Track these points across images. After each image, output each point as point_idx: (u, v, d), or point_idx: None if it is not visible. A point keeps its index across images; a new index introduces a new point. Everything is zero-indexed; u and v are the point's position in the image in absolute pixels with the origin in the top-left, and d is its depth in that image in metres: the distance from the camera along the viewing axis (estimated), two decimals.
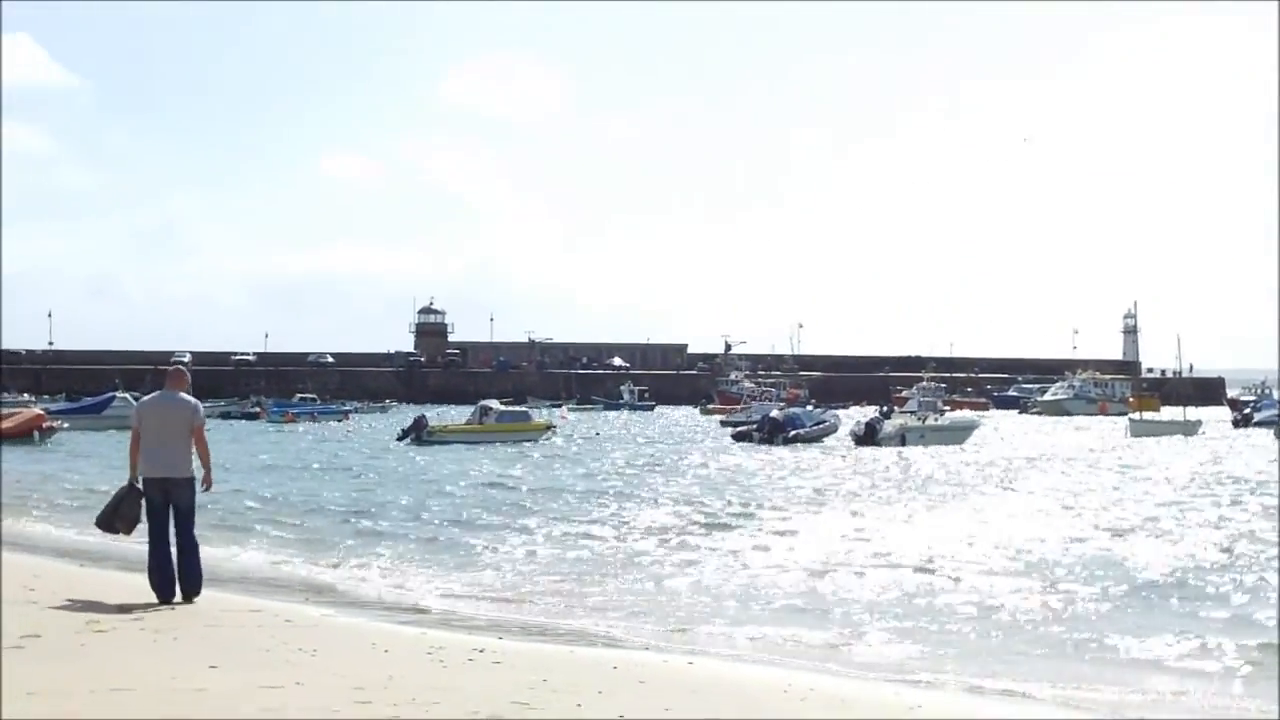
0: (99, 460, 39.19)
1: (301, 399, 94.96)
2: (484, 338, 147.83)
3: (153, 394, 12.85)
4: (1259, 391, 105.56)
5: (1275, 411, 76.41)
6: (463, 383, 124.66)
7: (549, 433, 60.26)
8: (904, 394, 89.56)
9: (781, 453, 50.96)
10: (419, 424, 56.78)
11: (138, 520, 12.34)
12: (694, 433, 72.57)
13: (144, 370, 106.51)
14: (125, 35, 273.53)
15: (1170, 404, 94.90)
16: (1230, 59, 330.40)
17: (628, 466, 42.36)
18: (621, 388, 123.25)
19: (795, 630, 13.32)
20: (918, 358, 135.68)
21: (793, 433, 59.12)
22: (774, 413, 65.86)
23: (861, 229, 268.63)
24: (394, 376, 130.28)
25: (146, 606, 11.95)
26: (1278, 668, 11.17)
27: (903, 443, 56.81)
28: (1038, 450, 54.75)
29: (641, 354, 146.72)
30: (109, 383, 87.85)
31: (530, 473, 38.60)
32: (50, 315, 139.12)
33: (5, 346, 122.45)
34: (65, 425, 54.34)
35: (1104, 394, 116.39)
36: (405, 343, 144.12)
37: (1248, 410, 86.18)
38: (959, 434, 61.13)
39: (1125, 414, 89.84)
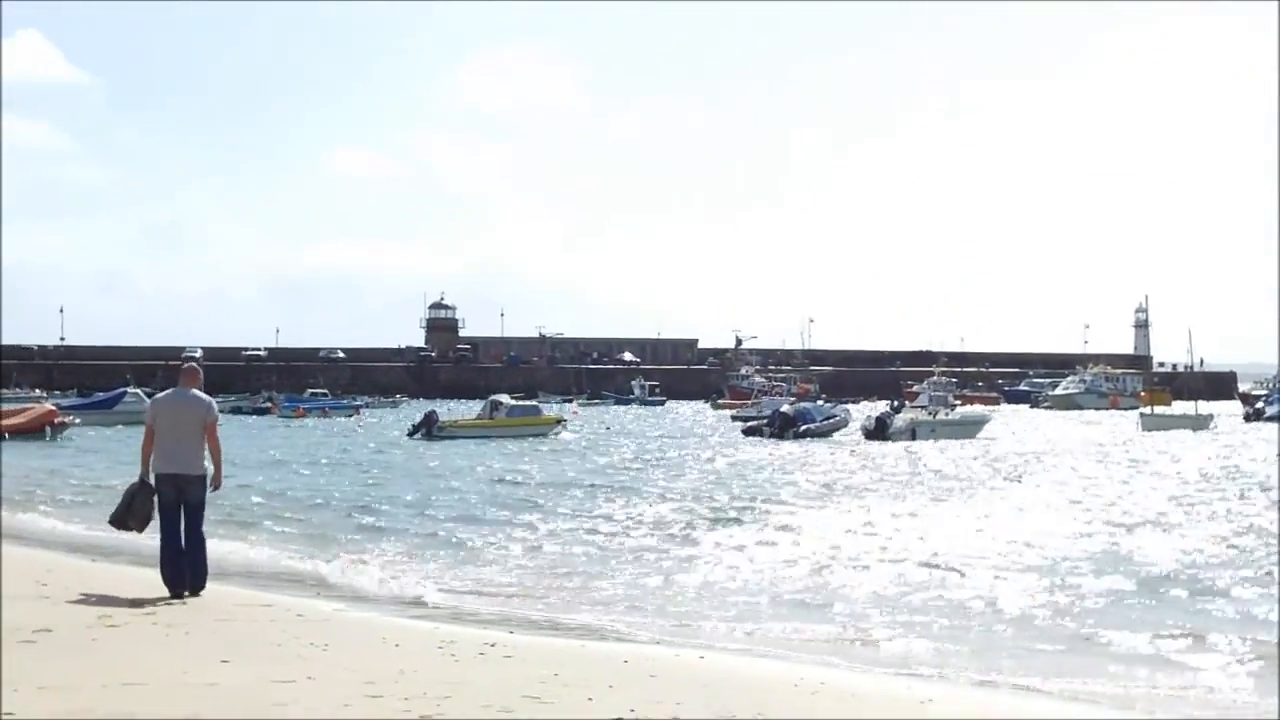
0: (108, 456, 39.32)
1: (313, 394, 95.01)
2: (495, 333, 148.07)
3: (167, 391, 12.90)
4: (1271, 386, 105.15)
5: None
6: (473, 378, 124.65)
7: (559, 427, 60.30)
8: (915, 389, 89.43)
9: (791, 447, 50.91)
10: (429, 419, 56.79)
11: (150, 518, 12.39)
12: (704, 428, 72.51)
13: (155, 366, 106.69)
14: (136, 32, 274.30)
15: (1181, 398, 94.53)
16: (1230, 59, 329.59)
17: (636, 461, 42.38)
18: (632, 383, 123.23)
19: (802, 625, 13.35)
20: (928, 352, 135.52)
21: (803, 428, 59.02)
22: (784, 408, 65.71)
23: (871, 224, 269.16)
24: (405, 372, 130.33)
25: (158, 601, 12.00)
26: (1278, 666, 11.13)
27: (913, 437, 56.72)
28: (1048, 445, 54.65)
29: (652, 349, 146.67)
30: (120, 378, 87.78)
31: (538, 468, 38.61)
32: (62, 311, 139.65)
33: (18, 342, 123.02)
34: (77, 421, 54.38)
35: (1115, 388, 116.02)
36: (416, 338, 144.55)
37: (1259, 404, 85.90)
38: (970, 428, 61.02)
39: (1136, 408, 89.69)
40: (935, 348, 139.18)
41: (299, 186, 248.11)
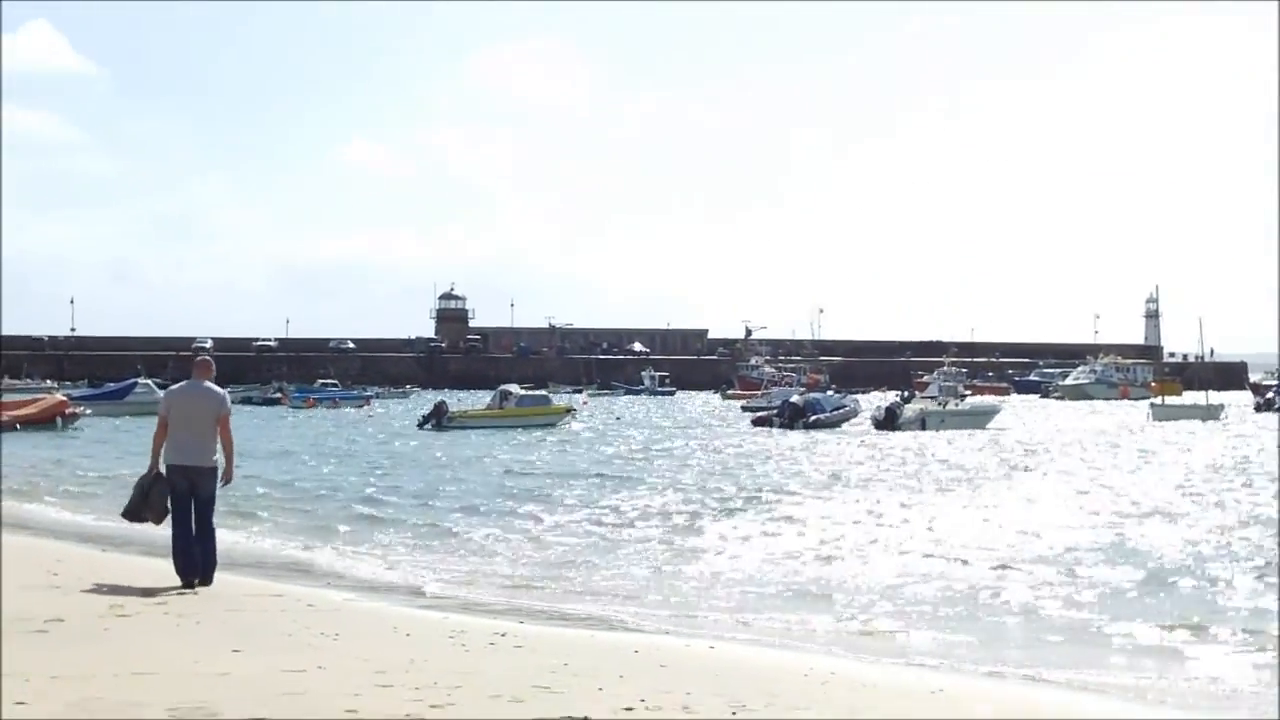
0: (116, 446, 39.39)
1: (323, 385, 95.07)
2: (505, 323, 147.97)
3: (181, 383, 12.92)
4: None
5: None
6: (484, 368, 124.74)
7: (569, 417, 60.31)
8: (925, 379, 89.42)
9: (801, 438, 50.89)
10: (439, 409, 56.85)
11: (167, 510, 12.40)
12: (714, 418, 72.52)
13: (166, 357, 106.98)
14: (144, 23, 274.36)
15: (1192, 388, 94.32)
16: (1230, 59, 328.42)
17: (645, 451, 42.39)
18: (642, 373, 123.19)
19: (809, 616, 13.34)
20: (939, 343, 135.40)
21: (813, 418, 58.99)
22: (794, 398, 65.75)
23: (881, 216, 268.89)
24: (415, 362, 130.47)
25: (169, 591, 12.03)
26: (1278, 665, 11.10)
27: (923, 427, 56.69)
28: (1058, 435, 54.59)
29: (662, 339, 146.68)
30: (131, 369, 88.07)
31: (545, 458, 38.65)
32: (72, 301, 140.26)
33: (28, 333, 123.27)
34: (88, 411, 54.51)
35: (1125, 378, 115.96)
36: (426, 328, 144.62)
37: (1270, 394, 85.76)
38: (979, 419, 60.97)
39: (1147, 398, 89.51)
40: (945, 338, 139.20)
41: (309, 177, 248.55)
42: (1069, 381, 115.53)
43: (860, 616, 13.34)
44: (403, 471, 33.27)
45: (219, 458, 12.47)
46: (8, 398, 54.89)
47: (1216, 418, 69.66)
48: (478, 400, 69.24)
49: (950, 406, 62.55)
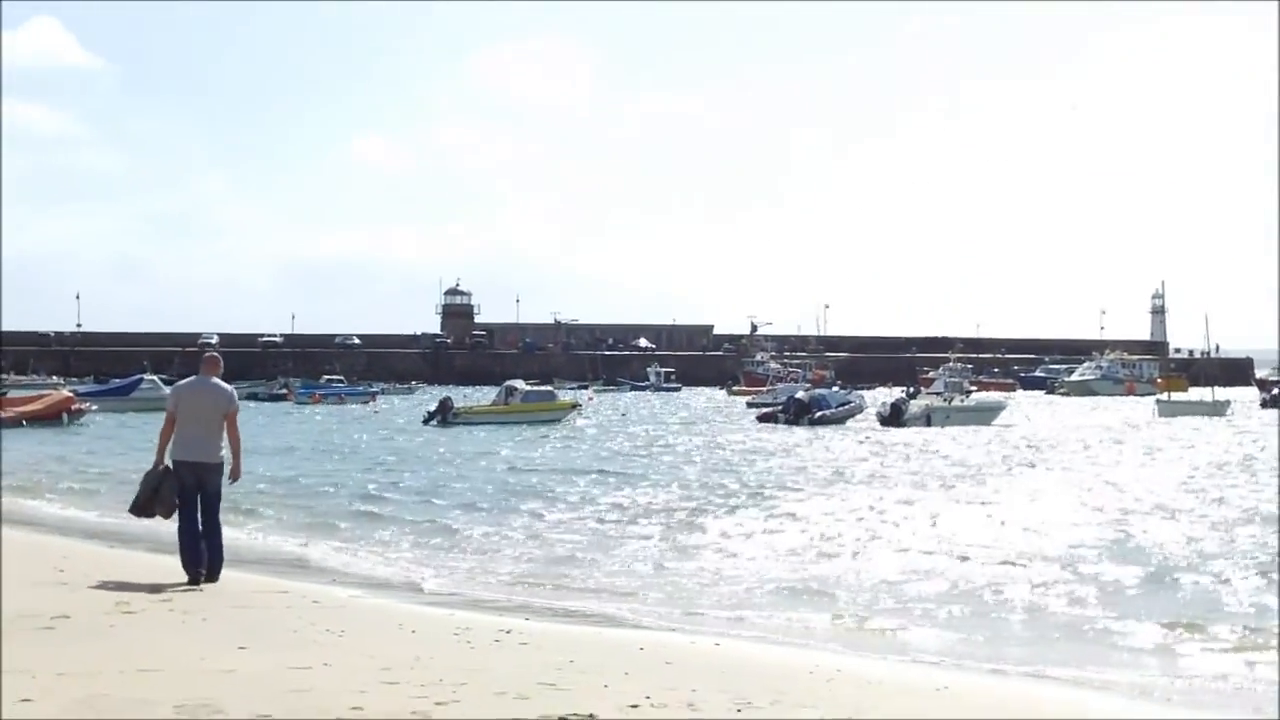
0: (121, 442, 39.43)
1: (329, 380, 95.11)
2: (510, 319, 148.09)
3: (189, 379, 12.93)
4: None
5: None
6: (489, 364, 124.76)
7: (574, 413, 60.31)
8: (930, 375, 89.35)
9: (806, 433, 50.87)
10: (445, 405, 56.85)
11: (175, 506, 12.42)
12: (719, 414, 72.49)
13: (172, 352, 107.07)
14: (150, 18, 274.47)
15: (1198, 384, 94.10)
16: (1230, 59, 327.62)
17: (649, 447, 42.39)
18: (648, 369, 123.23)
19: (812, 613, 13.35)
20: (944, 339, 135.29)
21: (818, 414, 59.00)
22: (799, 394, 65.70)
23: (886, 213, 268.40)
24: (420, 358, 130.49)
25: (175, 587, 12.05)
26: (1278, 664, 11.10)
27: (928, 424, 56.66)
28: (1063, 431, 54.53)
29: (667, 335, 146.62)
30: (137, 365, 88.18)
31: (549, 454, 38.64)
32: (78, 297, 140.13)
33: (34, 329, 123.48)
34: (94, 407, 54.60)
35: (1131, 374, 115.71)
36: (432, 324, 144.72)
37: (1276, 391, 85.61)
38: (985, 415, 60.89)
39: (1153, 394, 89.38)
40: (951, 334, 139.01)
41: (315, 174, 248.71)
42: (1074, 378, 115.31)
43: (864, 614, 13.34)
44: (408, 467, 33.27)
45: (226, 453, 12.50)
46: (13, 394, 54.97)
47: (1222, 414, 69.56)
48: (483, 396, 69.22)
49: (955, 403, 62.51)
